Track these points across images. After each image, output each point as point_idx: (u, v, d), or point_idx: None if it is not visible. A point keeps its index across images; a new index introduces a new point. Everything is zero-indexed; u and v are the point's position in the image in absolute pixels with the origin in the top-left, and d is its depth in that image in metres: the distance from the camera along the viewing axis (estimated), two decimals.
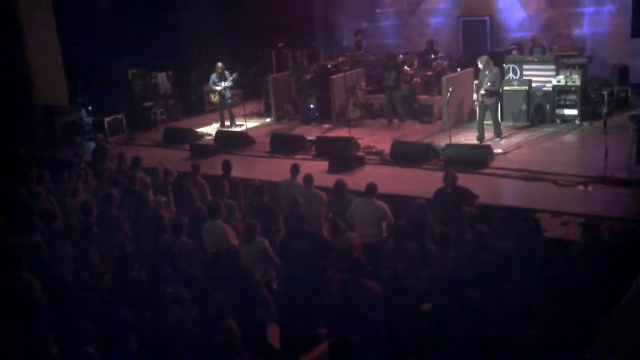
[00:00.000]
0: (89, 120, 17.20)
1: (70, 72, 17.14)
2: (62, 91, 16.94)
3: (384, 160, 12.45)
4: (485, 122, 12.93)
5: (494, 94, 12.70)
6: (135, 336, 6.57)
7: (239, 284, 7.01)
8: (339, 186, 9.34)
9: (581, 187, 9.98)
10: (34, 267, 7.78)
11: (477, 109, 13.06)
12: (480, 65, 12.76)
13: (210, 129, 16.31)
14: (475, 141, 12.79)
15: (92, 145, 14.68)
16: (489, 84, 12.48)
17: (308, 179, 9.66)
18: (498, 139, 12.76)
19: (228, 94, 16.35)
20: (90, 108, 17.57)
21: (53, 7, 16.76)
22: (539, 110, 13.95)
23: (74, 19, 17.32)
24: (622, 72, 14.54)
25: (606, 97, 13.59)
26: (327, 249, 7.93)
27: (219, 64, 16.45)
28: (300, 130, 15.46)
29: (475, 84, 13.41)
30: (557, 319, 5.98)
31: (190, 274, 7.44)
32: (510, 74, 14.52)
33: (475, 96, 12.85)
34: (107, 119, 16.67)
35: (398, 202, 9.51)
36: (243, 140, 14.61)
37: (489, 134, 12.90)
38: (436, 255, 7.53)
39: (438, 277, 6.80)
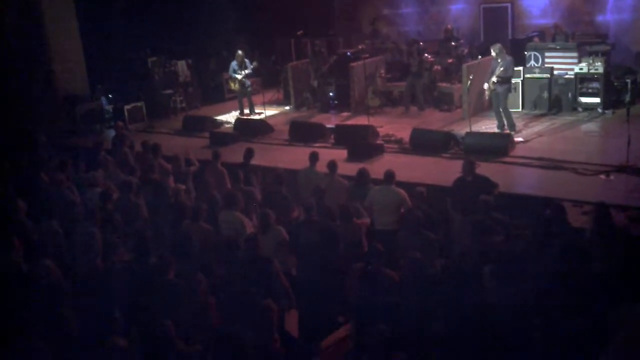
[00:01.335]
0: (109, 108, 17.30)
1: (90, 60, 17.24)
2: (82, 79, 17.07)
3: (403, 148, 12.38)
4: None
5: (506, 81, 12.52)
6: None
7: (257, 272, 7.03)
8: (362, 175, 9.31)
9: (603, 177, 9.87)
10: (55, 254, 7.87)
11: (492, 97, 12.86)
12: (493, 53, 12.59)
13: (230, 117, 16.34)
14: (495, 129, 12.69)
15: (112, 132, 14.77)
16: (501, 69, 12.32)
17: (332, 166, 9.64)
18: (512, 132, 12.44)
19: (247, 82, 16.36)
20: (110, 96, 17.67)
21: None
22: (560, 98, 13.81)
23: (95, 7, 17.41)
24: None
25: (629, 85, 13.41)
26: (334, 239, 7.92)
27: (240, 51, 16.45)
28: (320, 118, 15.44)
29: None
30: (573, 313, 5.90)
31: (206, 261, 7.47)
32: (532, 62, 14.36)
33: (486, 85, 12.65)
34: (127, 107, 16.73)
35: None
36: (262, 128, 14.61)
37: None
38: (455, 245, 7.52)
39: (453, 266, 6.78)
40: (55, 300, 6.74)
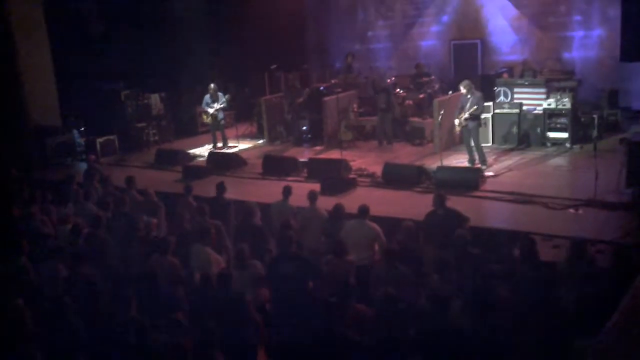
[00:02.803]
0: (81, 141, 17.18)
1: (63, 92, 17.15)
2: (54, 111, 16.97)
3: (375, 182, 12.46)
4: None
5: (477, 117, 12.71)
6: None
7: (230, 308, 6.99)
8: (337, 211, 9.31)
9: (572, 211, 10.01)
10: (22, 290, 7.74)
11: (463, 132, 12.97)
12: (463, 90, 12.68)
13: (203, 151, 16.32)
14: (466, 163, 12.84)
15: (84, 166, 14.65)
16: (475, 106, 12.48)
17: (312, 196, 9.68)
18: (485, 167, 12.60)
19: (221, 115, 16.38)
20: (82, 129, 17.56)
21: (47, 28, 16.83)
22: (529, 133, 14.04)
23: (68, 40, 17.38)
24: (612, 96, 14.66)
25: (596, 121, 13.71)
26: (315, 272, 7.90)
27: (212, 84, 16.51)
28: (293, 152, 15.49)
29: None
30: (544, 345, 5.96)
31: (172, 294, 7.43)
32: (502, 97, 14.61)
33: (457, 121, 12.73)
34: (99, 140, 16.67)
35: (390, 224, 9.49)
36: (235, 161, 14.62)
37: None
38: (430, 279, 7.53)
39: (430, 301, 6.79)
40: (20, 340, 6.62)
